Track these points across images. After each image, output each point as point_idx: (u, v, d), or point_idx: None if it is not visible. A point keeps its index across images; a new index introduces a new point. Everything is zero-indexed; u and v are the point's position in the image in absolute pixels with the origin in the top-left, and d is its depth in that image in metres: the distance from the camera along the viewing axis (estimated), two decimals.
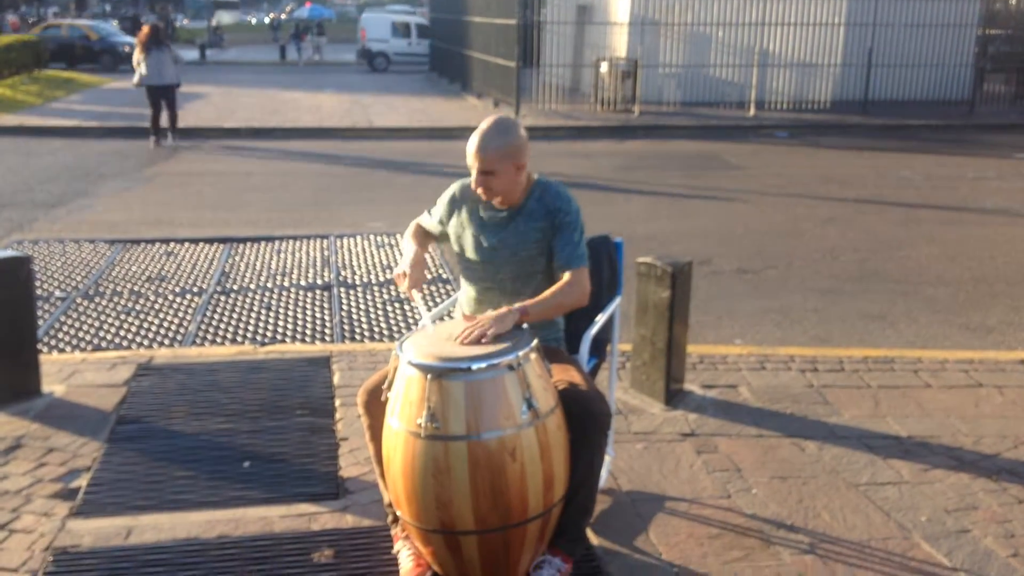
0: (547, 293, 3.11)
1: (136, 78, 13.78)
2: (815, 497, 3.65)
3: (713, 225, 9.10)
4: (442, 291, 6.64)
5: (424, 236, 3.45)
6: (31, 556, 3.18)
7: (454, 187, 3.39)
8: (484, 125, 3.12)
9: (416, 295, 3.15)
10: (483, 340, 2.80)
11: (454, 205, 3.36)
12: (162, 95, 13.78)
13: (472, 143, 3.09)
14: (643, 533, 3.37)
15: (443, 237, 3.43)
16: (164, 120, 14.12)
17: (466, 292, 3.35)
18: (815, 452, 4.03)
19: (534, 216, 3.20)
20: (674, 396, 4.54)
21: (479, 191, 3.15)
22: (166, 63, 13.64)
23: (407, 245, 3.37)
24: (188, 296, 6.52)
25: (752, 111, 18.52)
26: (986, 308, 6.57)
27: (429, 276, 3.21)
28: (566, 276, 3.14)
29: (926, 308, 6.55)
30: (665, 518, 3.48)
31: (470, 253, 3.27)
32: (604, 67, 18.86)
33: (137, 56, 13.63)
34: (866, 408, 4.50)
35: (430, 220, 3.44)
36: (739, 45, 19.58)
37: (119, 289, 6.66)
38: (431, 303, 6.30)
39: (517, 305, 2.99)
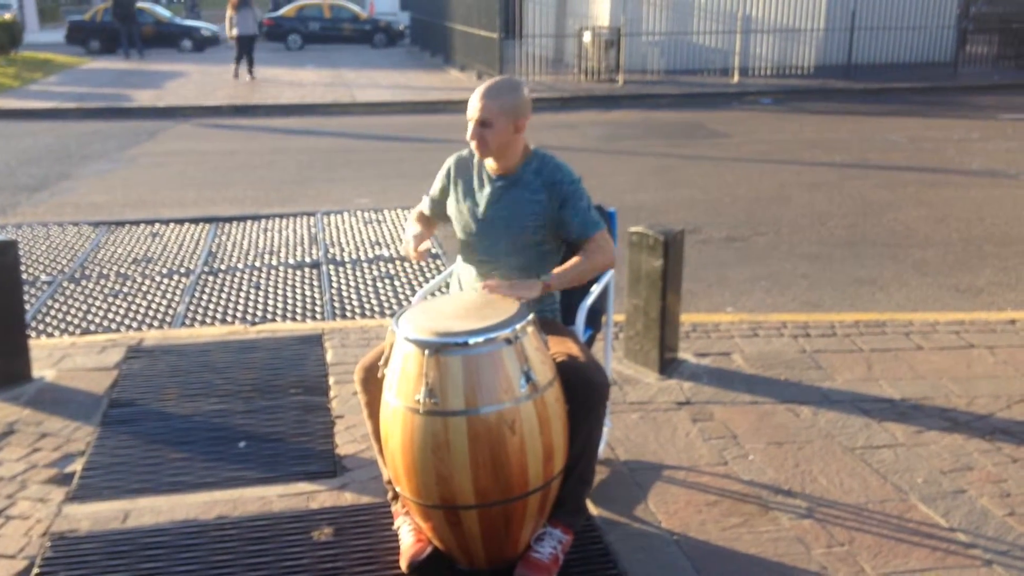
0: (569, 263, 3.13)
1: (230, 30, 18.98)
2: (811, 462, 3.66)
3: (700, 193, 9.09)
4: (433, 267, 6.62)
5: (426, 220, 3.48)
6: (28, 542, 3.16)
7: (450, 160, 3.37)
8: (490, 80, 3.13)
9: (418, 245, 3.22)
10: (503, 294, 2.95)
11: (450, 179, 3.34)
12: (247, 41, 19.20)
13: (475, 93, 3.09)
14: (642, 502, 3.38)
15: (441, 215, 3.42)
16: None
17: (464, 269, 3.33)
18: (810, 417, 4.04)
19: (531, 187, 3.18)
20: (668, 365, 4.54)
21: (473, 145, 3.11)
22: (250, 19, 19.09)
23: (410, 227, 3.40)
24: (176, 277, 6.47)
25: (736, 78, 18.45)
26: (975, 269, 6.59)
27: (432, 247, 3.24)
28: (586, 245, 3.14)
29: (915, 271, 6.56)
30: (663, 487, 3.49)
31: (467, 225, 3.25)
32: (587, 36, 18.72)
33: (230, 13, 18.83)
34: (859, 372, 4.52)
35: (426, 202, 3.45)
36: (722, 11, 19.46)
37: (105, 272, 6.61)
38: (424, 279, 6.28)
39: (542, 277, 3.06)
